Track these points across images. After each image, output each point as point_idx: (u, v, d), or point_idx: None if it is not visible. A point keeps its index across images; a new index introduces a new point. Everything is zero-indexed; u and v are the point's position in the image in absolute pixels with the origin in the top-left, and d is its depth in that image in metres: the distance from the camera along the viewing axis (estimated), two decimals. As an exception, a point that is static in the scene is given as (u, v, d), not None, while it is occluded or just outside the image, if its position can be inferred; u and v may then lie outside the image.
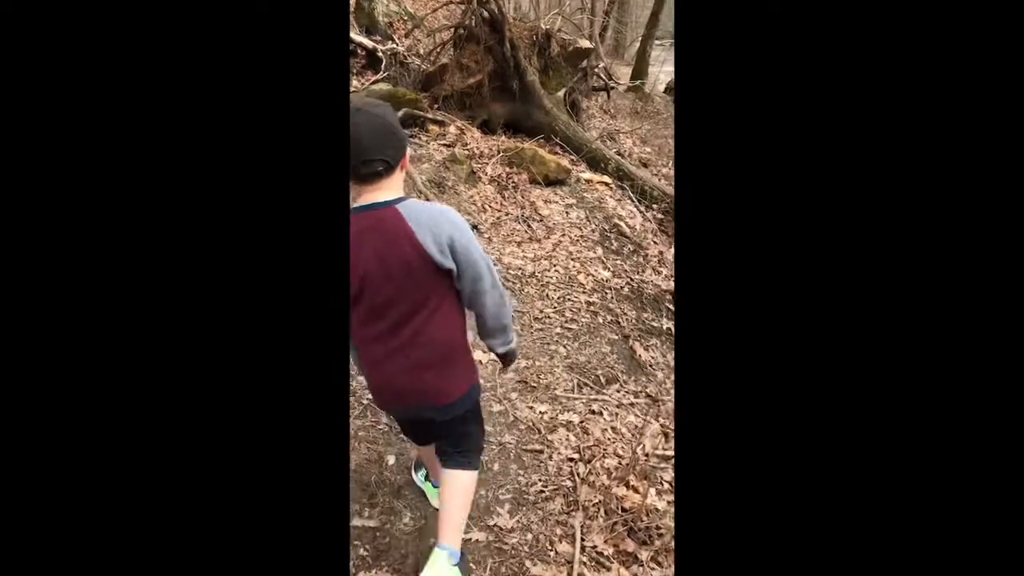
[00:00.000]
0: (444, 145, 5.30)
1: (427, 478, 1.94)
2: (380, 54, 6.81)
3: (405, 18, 9.65)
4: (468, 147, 5.33)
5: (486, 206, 4.62)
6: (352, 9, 7.73)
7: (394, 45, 7.01)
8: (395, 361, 1.32)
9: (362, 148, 1.16)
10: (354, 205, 1.24)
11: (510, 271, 3.69)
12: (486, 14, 5.95)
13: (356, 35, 6.85)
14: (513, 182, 5.04)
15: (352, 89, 6.55)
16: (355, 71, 6.92)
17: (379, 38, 7.74)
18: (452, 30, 6.49)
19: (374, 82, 6.62)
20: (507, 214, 4.57)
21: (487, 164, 5.11)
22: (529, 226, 4.50)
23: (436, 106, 5.85)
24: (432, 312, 1.30)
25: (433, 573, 1.44)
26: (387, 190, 1.25)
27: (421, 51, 7.84)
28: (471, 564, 1.69)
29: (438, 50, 6.70)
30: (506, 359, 1.51)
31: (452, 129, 5.59)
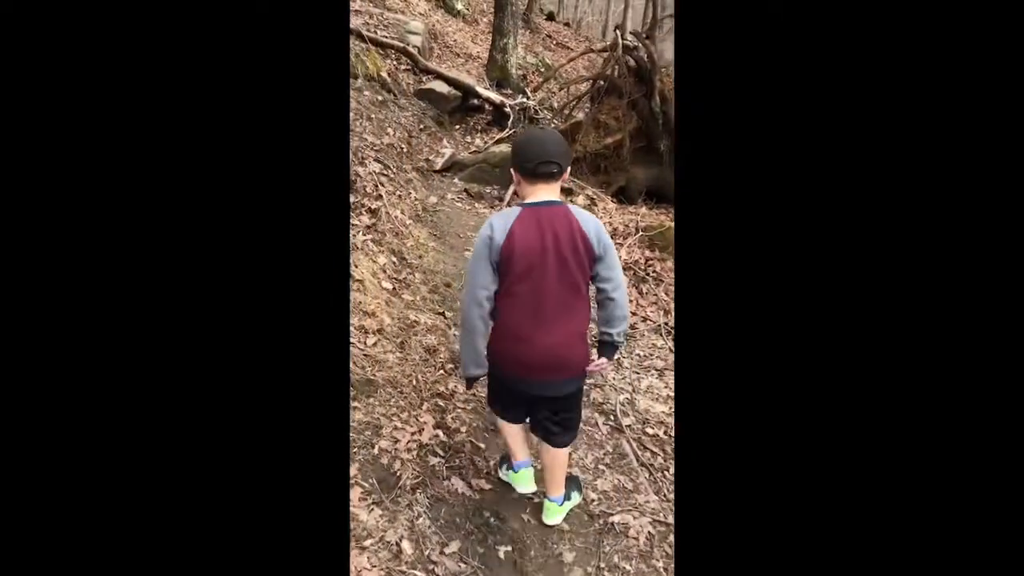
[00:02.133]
0: None
1: (507, 469, 1.98)
2: (508, 109, 6.09)
3: (541, 69, 9.01)
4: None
5: (616, 305, 3.52)
6: (485, 62, 7.18)
7: (524, 99, 6.27)
8: (555, 334, 1.57)
9: (546, 151, 1.52)
10: (526, 200, 1.57)
11: (648, 429, 2.53)
12: (632, 62, 4.97)
13: (483, 89, 6.21)
14: (654, 271, 3.89)
15: (474, 149, 5.88)
16: (479, 128, 6.25)
17: (509, 91, 7.10)
18: (590, 82, 5.57)
19: (497, 141, 5.89)
20: (644, 320, 3.42)
21: (621, 246, 4.03)
22: (671, 342, 3.30)
23: (564, 170, 4.92)
24: (584, 299, 1.62)
25: (554, 519, 1.89)
26: (555, 192, 1.59)
27: (555, 105, 7.04)
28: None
29: (573, 104, 5.78)
30: (614, 350, 1.70)
31: (581, 199, 4.59)
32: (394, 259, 2.97)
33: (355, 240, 2.82)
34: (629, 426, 2.45)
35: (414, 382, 2.24)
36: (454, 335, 2.66)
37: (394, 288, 2.75)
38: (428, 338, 2.50)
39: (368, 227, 3.03)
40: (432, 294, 2.90)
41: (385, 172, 3.68)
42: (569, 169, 1.60)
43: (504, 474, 2.01)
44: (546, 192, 1.54)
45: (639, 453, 2.30)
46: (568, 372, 1.63)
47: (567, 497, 1.90)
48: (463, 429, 2.15)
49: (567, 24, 14.42)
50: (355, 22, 5.88)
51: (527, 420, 1.81)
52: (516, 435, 1.86)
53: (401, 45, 5.87)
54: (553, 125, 5.52)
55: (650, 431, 2.45)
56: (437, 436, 2.04)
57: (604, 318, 1.63)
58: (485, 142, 5.97)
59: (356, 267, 2.59)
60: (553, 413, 1.72)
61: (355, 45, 5.36)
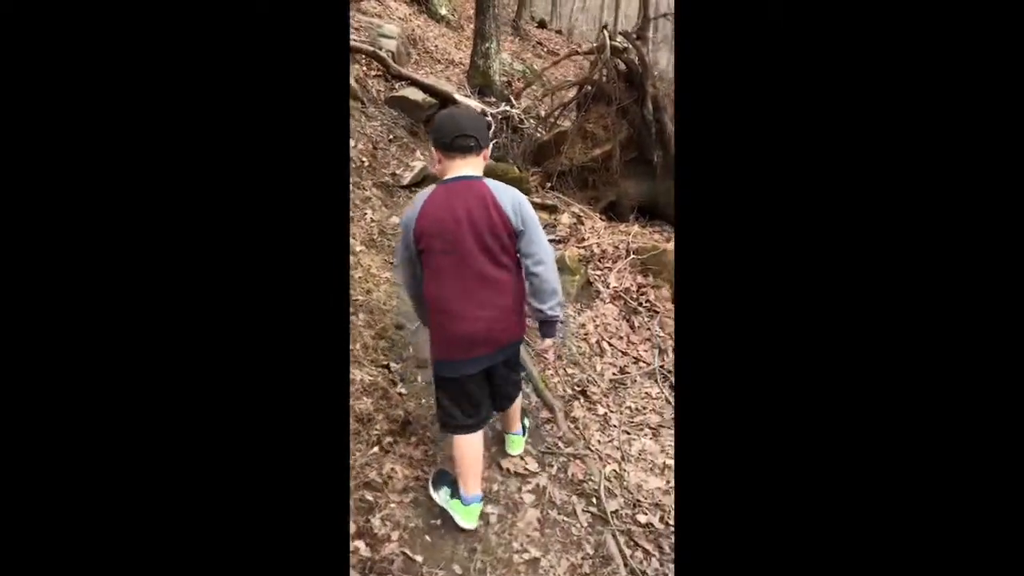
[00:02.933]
0: (553, 241, 3.81)
1: (453, 495, 1.79)
2: (489, 118, 5.62)
3: (527, 75, 8.54)
4: (585, 243, 3.80)
5: (604, 343, 3.00)
6: (467, 68, 6.71)
7: (507, 107, 5.79)
8: (485, 308, 1.54)
9: (459, 125, 1.50)
10: (444, 176, 1.54)
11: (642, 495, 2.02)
12: (622, 66, 4.51)
13: (463, 96, 5.73)
14: (647, 301, 3.40)
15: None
16: (458, 138, 5.79)
17: (492, 99, 6.62)
18: (576, 88, 5.10)
19: (477, 152, 5.41)
20: (636, 361, 2.91)
21: (610, 271, 3.54)
22: (667, 385, 2.80)
23: (548, 185, 4.42)
24: (512, 272, 1.57)
25: (519, 448, 2.05)
26: (475, 168, 1.55)
27: (541, 113, 6.57)
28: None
29: (557, 112, 5.30)
30: (552, 327, 1.67)
31: (566, 217, 4.10)
32: (334, 296, 2.45)
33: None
34: (616, 513, 1.94)
35: (336, 466, 1.72)
36: (399, 394, 2.15)
37: (329, 334, 2.24)
38: (362, 403, 1.98)
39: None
40: (377, 339, 2.39)
41: (336, 190, 3.17)
42: (490, 147, 1.59)
43: (442, 499, 1.79)
44: (465, 168, 1.52)
45: (628, 555, 1.78)
46: (503, 344, 1.62)
47: (523, 428, 2.08)
48: (394, 536, 1.63)
49: (559, 32, 13.98)
50: (322, 25, 5.41)
51: (488, 419, 1.77)
52: (475, 462, 1.74)
53: (371, 49, 5.39)
54: (538, 135, 5.02)
55: (642, 518, 1.94)
56: (357, 551, 1.52)
57: (531, 295, 1.61)
58: (464, 154, 5.51)
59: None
60: (502, 382, 1.73)
61: (318, 48, 4.88)
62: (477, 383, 1.65)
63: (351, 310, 2.43)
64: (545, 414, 2.36)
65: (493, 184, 1.52)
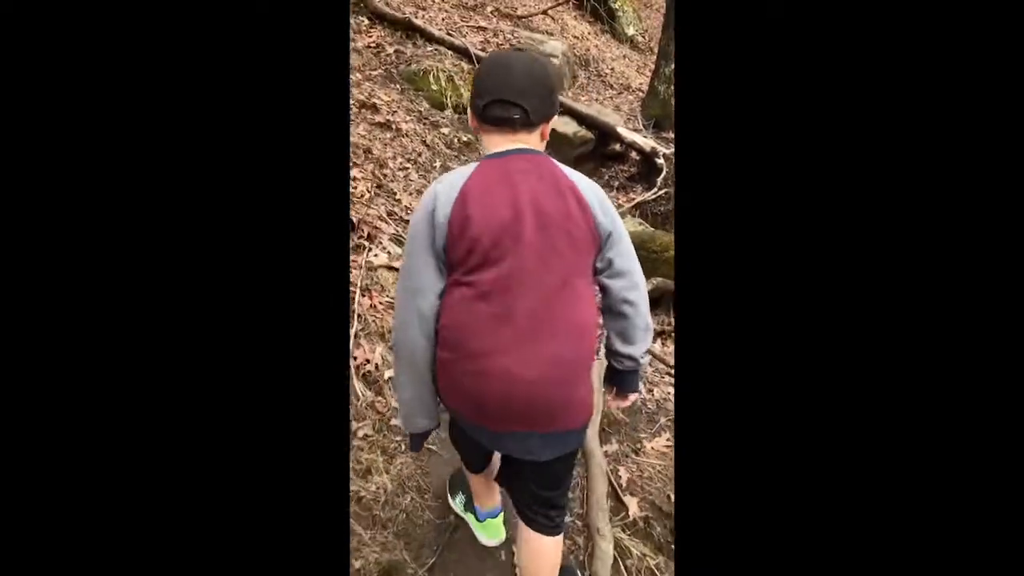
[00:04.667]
0: None
1: (467, 507, 1.48)
2: (660, 159, 4.25)
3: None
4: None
5: None
6: (645, 94, 5.41)
7: (687, 147, 4.41)
8: (537, 356, 0.94)
9: (502, 82, 1.00)
10: (488, 151, 1.05)
11: None
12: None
13: (627, 130, 4.45)
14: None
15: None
16: (617, 184, 4.49)
17: (673, 135, 5.23)
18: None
19: (636, 205, 4.07)
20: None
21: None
22: None
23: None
24: (578, 297, 0.97)
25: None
26: (528, 144, 1.04)
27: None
28: None
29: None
30: (634, 380, 1.13)
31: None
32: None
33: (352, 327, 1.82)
34: None
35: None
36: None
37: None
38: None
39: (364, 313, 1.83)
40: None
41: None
42: (551, 120, 1.05)
43: (459, 507, 1.49)
44: (510, 144, 1.02)
45: None
46: (559, 422, 0.97)
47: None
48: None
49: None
50: (474, 39, 4.55)
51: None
52: (482, 479, 1.34)
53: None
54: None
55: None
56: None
57: (618, 331, 1.06)
58: (620, 205, 4.20)
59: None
60: (536, 486, 1.11)
61: (451, 65, 3.99)
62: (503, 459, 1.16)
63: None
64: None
65: (566, 168, 1.00)
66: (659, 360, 2.41)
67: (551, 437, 0.99)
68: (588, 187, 1.01)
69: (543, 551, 1.16)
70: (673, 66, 4.96)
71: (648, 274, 2.97)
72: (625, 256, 1.02)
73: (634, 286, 1.02)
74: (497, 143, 1.03)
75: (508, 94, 0.98)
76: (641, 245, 2.82)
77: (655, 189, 4.09)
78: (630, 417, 2.05)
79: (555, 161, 1.02)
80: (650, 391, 2.24)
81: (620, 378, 1.12)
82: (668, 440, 1.91)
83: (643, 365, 1.10)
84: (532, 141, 1.03)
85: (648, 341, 1.08)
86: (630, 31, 8.05)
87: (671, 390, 2.26)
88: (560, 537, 1.18)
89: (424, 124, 3.55)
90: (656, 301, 2.82)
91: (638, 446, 1.92)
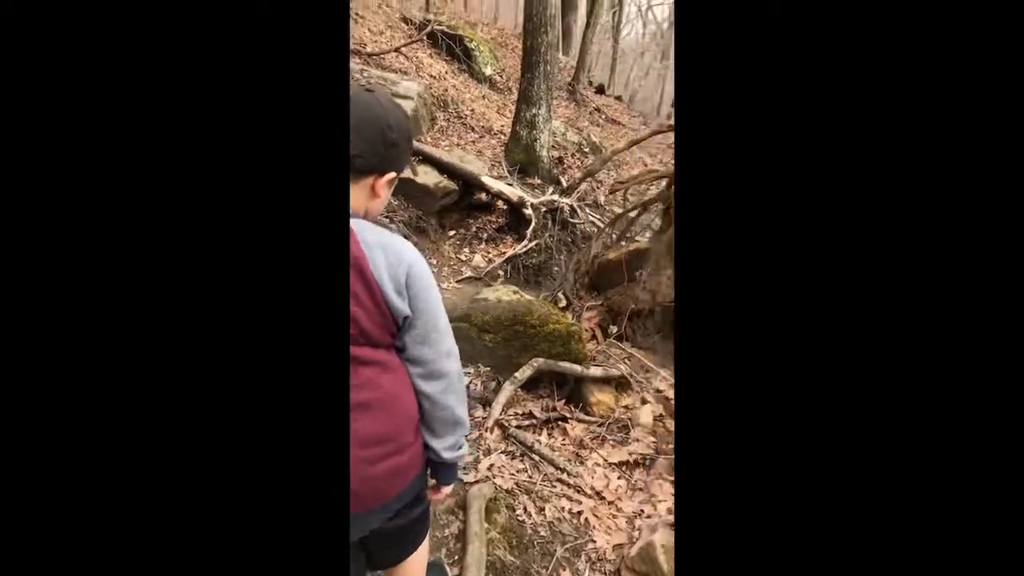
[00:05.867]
0: (610, 467, 2.10)
1: None
2: (527, 209, 4.02)
3: (586, 150, 6.92)
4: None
5: None
6: (506, 142, 5.21)
7: (555, 197, 4.18)
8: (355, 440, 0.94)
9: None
10: None
11: None
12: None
13: (491, 179, 4.17)
14: None
15: (465, 275, 3.77)
16: (484, 236, 4.18)
17: (537, 181, 5.06)
18: (663, 181, 3.46)
19: (508, 259, 3.77)
20: None
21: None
22: None
23: (613, 331, 2.71)
24: (384, 368, 0.91)
25: None
26: (354, 199, 0.89)
27: (607, 205, 4.93)
28: None
29: (631, 217, 3.58)
30: (448, 473, 1.08)
31: (646, 413, 2.38)
32: None
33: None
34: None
35: None
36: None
37: None
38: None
39: None
40: None
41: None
42: (387, 180, 0.89)
43: None
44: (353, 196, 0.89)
45: None
46: (366, 503, 0.95)
47: None
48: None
49: (619, 98, 12.60)
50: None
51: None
52: None
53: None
54: (602, 245, 3.33)
55: None
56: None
57: (424, 424, 1.00)
58: (489, 261, 3.88)
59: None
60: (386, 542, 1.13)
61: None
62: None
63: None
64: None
65: (366, 230, 0.85)
66: (547, 461, 2.06)
67: (368, 514, 1.00)
68: (379, 256, 0.85)
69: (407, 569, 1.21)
70: (534, 111, 4.81)
71: (526, 353, 2.63)
72: (422, 340, 0.91)
73: (430, 376, 0.94)
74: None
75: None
76: (516, 319, 2.49)
77: (525, 241, 3.83)
78: (519, 556, 1.66)
79: (362, 224, 0.86)
80: (540, 511, 1.87)
81: (434, 469, 1.07)
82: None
83: (450, 455, 1.04)
84: (359, 193, 0.87)
85: (455, 436, 1.02)
86: (487, 71, 7.94)
87: (567, 504, 1.92)
88: (418, 553, 1.19)
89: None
90: (535, 382, 2.48)
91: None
